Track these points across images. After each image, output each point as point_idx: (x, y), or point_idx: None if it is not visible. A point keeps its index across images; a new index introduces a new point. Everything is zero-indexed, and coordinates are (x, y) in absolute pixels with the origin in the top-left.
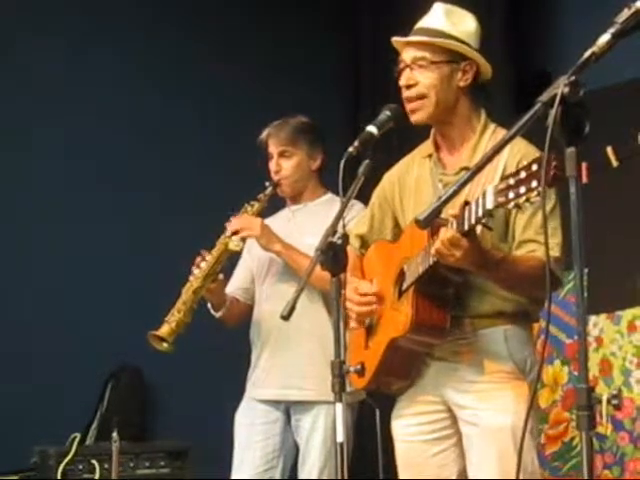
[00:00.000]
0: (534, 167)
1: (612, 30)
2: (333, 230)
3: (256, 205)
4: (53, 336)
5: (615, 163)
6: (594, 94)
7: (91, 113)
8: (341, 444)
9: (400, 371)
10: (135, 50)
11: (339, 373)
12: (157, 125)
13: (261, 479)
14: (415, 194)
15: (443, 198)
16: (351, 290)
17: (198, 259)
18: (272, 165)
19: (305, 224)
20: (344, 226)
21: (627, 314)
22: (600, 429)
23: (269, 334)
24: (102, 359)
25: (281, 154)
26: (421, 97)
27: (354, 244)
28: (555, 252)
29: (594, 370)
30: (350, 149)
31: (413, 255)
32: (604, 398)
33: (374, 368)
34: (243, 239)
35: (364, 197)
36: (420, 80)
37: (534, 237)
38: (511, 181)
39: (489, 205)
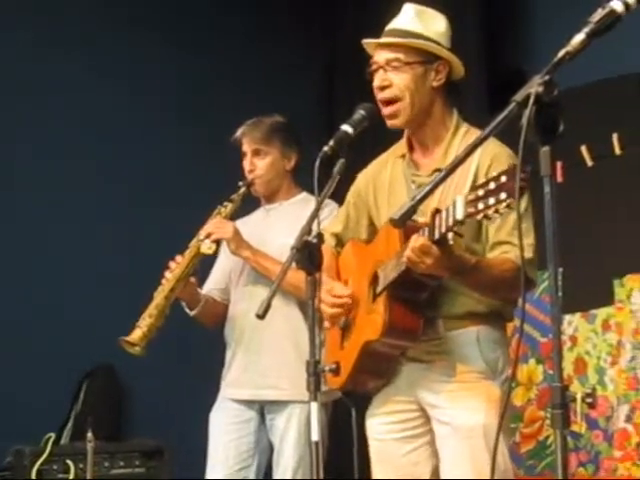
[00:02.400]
0: (503, 179)
1: (586, 29)
2: (308, 229)
3: (229, 206)
4: (27, 336)
5: (589, 162)
6: (569, 93)
7: (69, 112)
8: (316, 443)
9: (375, 371)
10: (114, 48)
11: (314, 372)
12: (137, 124)
13: (235, 478)
14: (389, 194)
15: (418, 198)
16: (325, 292)
17: (171, 263)
18: (246, 164)
19: (279, 223)
20: (319, 225)
21: (601, 313)
22: (575, 427)
23: (243, 334)
24: (76, 359)
25: (255, 153)
26: (396, 100)
27: (330, 242)
28: (528, 253)
29: (568, 369)
30: (325, 148)
31: (387, 258)
32: (578, 396)
33: (349, 368)
34: (215, 242)
35: (339, 196)
36: (394, 81)
37: (507, 239)
38: (480, 192)
39: (459, 216)
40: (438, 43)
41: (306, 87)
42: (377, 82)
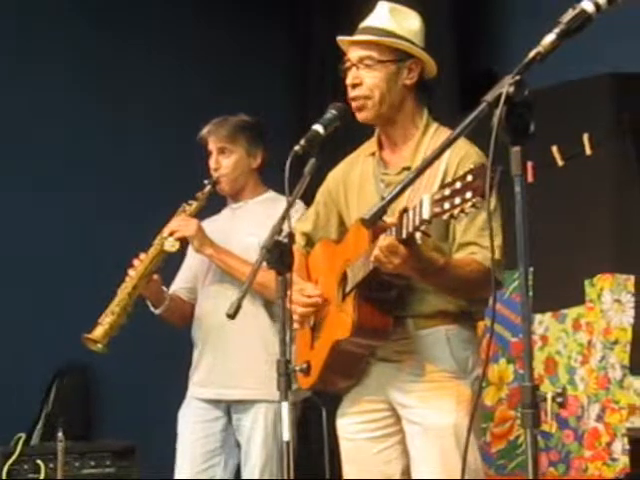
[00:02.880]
0: (469, 178)
1: (557, 30)
2: (279, 229)
3: (194, 204)
4: None
5: (560, 162)
6: (539, 94)
7: (38, 110)
8: (287, 442)
9: (344, 371)
10: (79, 48)
11: (285, 372)
12: (106, 124)
13: (201, 478)
14: (359, 192)
15: (388, 198)
16: (297, 292)
17: (134, 261)
18: (211, 162)
19: (244, 222)
20: (290, 225)
21: (572, 312)
22: (545, 427)
23: (210, 333)
24: (47, 359)
25: (220, 151)
26: (366, 97)
27: (299, 242)
28: (496, 255)
29: (539, 368)
30: (296, 148)
31: (356, 257)
32: (549, 396)
33: (319, 368)
34: (179, 240)
35: (310, 196)
36: (366, 80)
37: (474, 239)
38: (447, 192)
39: (425, 215)
40: (411, 41)
41: (278, 86)
42: (349, 80)
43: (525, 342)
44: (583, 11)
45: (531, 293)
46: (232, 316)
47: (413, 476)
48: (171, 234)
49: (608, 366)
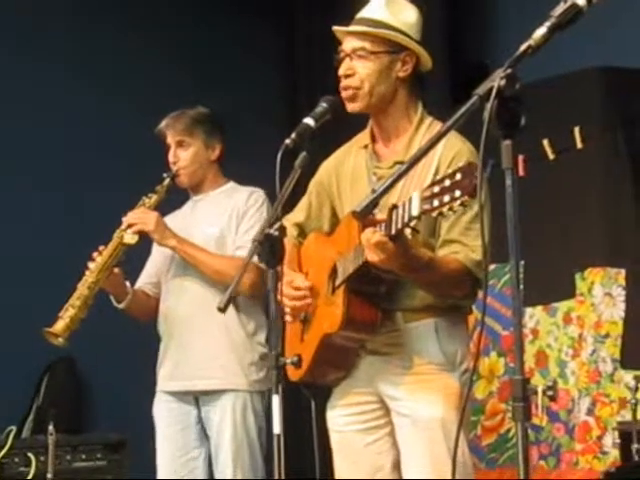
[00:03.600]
0: (458, 176)
1: (548, 23)
2: (270, 222)
3: (154, 197)
4: None
5: (551, 156)
6: (530, 87)
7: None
8: (278, 435)
9: (334, 363)
10: (69, 47)
11: (276, 365)
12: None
13: (182, 470)
14: (351, 184)
15: (379, 191)
16: (286, 284)
17: (94, 254)
18: (170, 156)
19: (206, 213)
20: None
21: (563, 306)
22: (535, 420)
23: (174, 326)
24: (37, 352)
25: (178, 144)
26: (357, 87)
27: (292, 232)
28: (477, 255)
29: (530, 362)
30: (287, 141)
31: (347, 250)
32: (540, 389)
33: (309, 361)
34: (137, 233)
35: (301, 190)
36: (358, 70)
37: (458, 238)
38: (436, 189)
39: (414, 212)
40: (406, 34)
41: (269, 80)
42: (341, 70)
43: (516, 335)
44: (574, 4)
45: (522, 286)
46: (223, 309)
47: (402, 468)
48: (129, 227)
49: (599, 360)
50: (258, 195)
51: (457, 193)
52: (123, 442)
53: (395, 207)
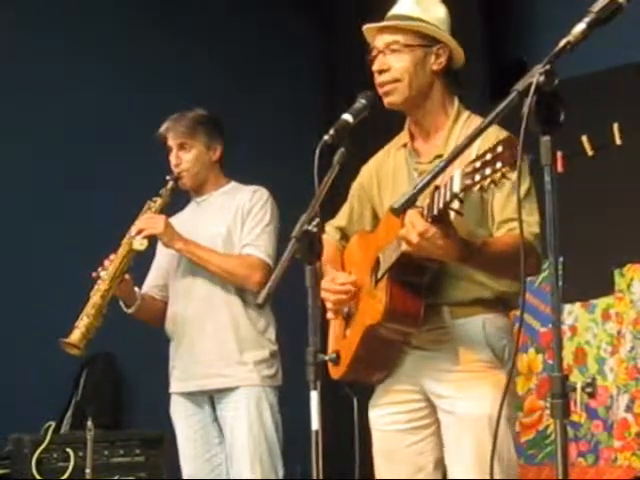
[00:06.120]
0: (499, 149)
1: (587, 19)
2: (309, 219)
3: (159, 201)
4: (28, 325)
5: (590, 152)
6: (569, 83)
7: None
8: (316, 432)
9: (377, 360)
10: (116, 46)
11: (314, 361)
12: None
13: (205, 467)
14: (392, 185)
15: (418, 186)
16: (328, 280)
17: (105, 262)
18: (172, 158)
19: (211, 213)
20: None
21: (601, 303)
22: (574, 417)
23: (184, 327)
24: None
25: (180, 147)
26: (395, 81)
27: (334, 236)
28: (535, 229)
29: (568, 358)
30: (325, 137)
31: (388, 243)
32: (578, 386)
33: (350, 357)
34: (147, 238)
35: (339, 186)
36: (393, 65)
37: (513, 215)
38: (477, 164)
39: (456, 188)
40: (437, 28)
41: (307, 75)
42: (376, 66)
43: (554, 332)
44: (614, 0)
45: (560, 283)
46: (262, 305)
47: (447, 466)
48: (139, 233)
49: (638, 356)
50: (262, 192)
51: (498, 165)
52: (161, 438)
53: (437, 188)
